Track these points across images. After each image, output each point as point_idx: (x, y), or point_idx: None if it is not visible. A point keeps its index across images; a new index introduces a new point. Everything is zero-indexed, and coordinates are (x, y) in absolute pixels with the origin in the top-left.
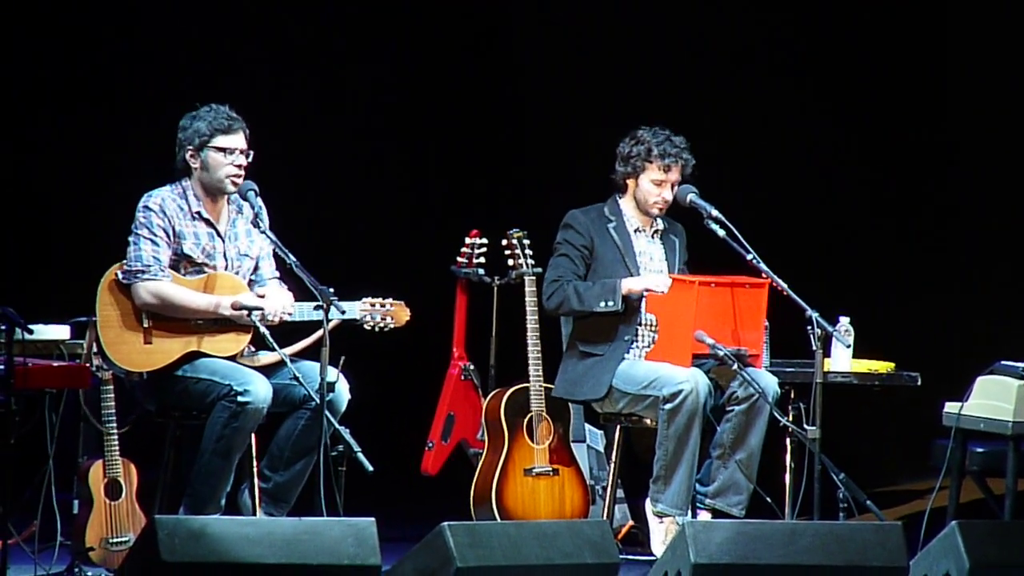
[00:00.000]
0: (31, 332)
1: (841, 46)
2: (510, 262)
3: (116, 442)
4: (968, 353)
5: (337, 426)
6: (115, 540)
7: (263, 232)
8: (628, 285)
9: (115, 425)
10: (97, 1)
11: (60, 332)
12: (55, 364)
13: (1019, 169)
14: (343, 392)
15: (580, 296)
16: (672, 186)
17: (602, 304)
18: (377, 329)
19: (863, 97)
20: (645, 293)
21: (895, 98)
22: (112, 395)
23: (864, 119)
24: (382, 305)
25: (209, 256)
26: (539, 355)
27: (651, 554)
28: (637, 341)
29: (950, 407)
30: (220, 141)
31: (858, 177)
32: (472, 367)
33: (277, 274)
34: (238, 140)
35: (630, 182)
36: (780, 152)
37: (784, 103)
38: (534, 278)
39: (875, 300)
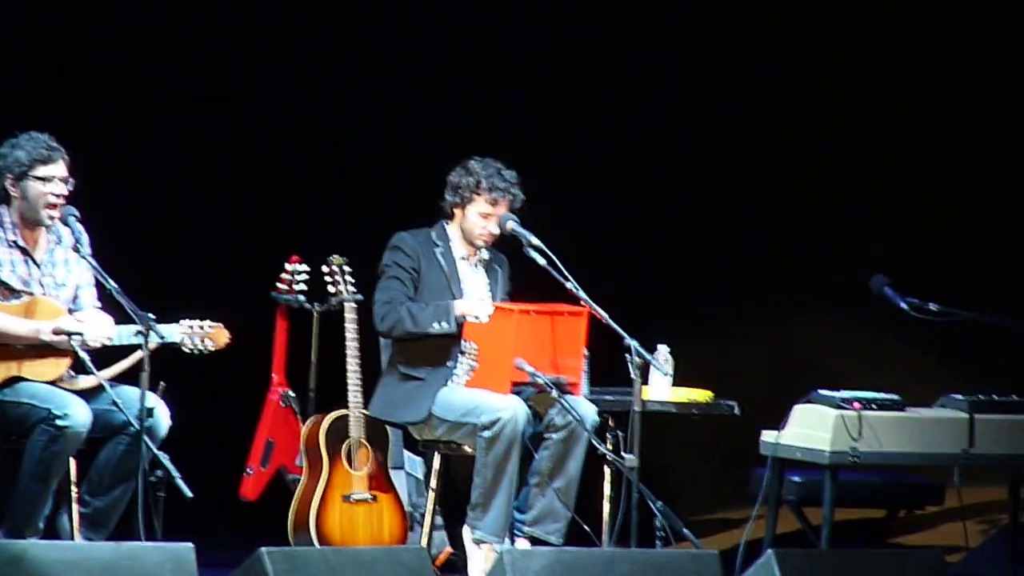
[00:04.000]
0: None
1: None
2: (331, 288)
3: None
4: (786, 381)
5: (156, 451)
6: None
7: (83, 257)
8: (458, 308)
9: None
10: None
11: None
12: None
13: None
14: (163, 417)
15: (414, 317)
16: (498, 219)
17: (436, 326)
18: (196, 352)
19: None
20: (465, 319)
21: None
22: None
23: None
24: (200, 327)
25: (26, 284)
26: (359, 381)
27: None
28: (457, 367)
29: (767, 436)
30: (40, 170)
31: (675, 205)
32: (291, 393)
33: (99, 304)
34: (58, 169)
35: (457, 211)
36: (600, 178)
37: (606, 128)
38: (354, 304)
39: (694, 328)
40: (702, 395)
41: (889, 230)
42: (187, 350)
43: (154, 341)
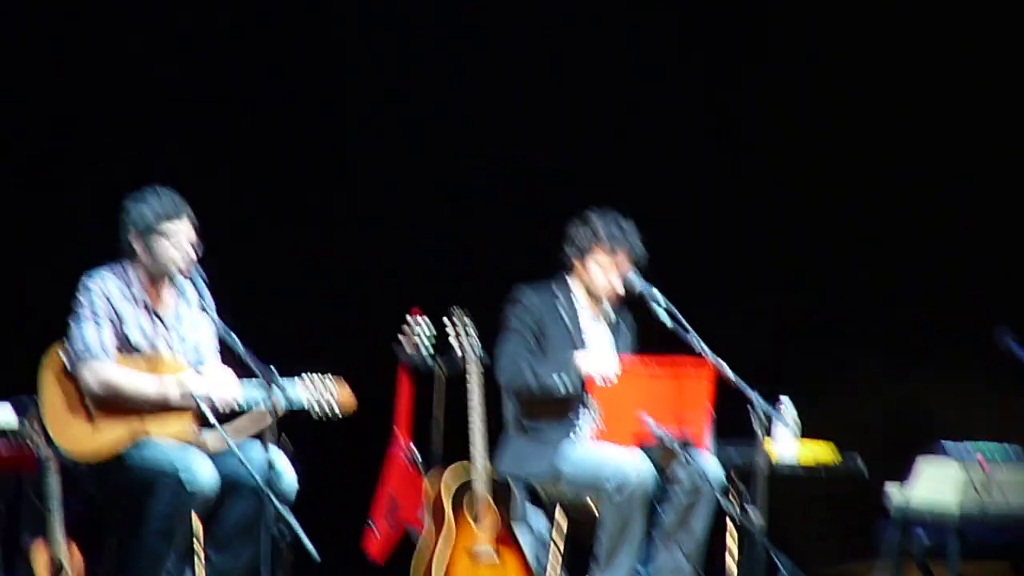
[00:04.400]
0: None
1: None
2: (453, 342)
3: (60, 523)
4: (906, 432)
5: (281, 509)
6: None
7: (207, 314)
8: (582, 363)
9: (59, 506)
10: (39, 71)
11: (3, 413)
12: None
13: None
14: (287, 474)
15: (537, 375)
16: (619, 272)
17: (559, 382)
18: (324, 411)
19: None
20: (586, 377)
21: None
22: (56, 477)
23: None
24: (321, 381)
25: (151, 342)
26: (482, 436)
27: None
28: (582, 422)
29: (892, 490)
30: (166, 227)
31: (791, 258)
32: (415, 448)
33: (219, 362)
34: (185, 226)
35: (578, 264)
36: (716, 235)
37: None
38: (477, 359)
39: (813, 378)
40: (827, 451)
41: (1014, 281)
42: (315, 414)
43: (277, 396)
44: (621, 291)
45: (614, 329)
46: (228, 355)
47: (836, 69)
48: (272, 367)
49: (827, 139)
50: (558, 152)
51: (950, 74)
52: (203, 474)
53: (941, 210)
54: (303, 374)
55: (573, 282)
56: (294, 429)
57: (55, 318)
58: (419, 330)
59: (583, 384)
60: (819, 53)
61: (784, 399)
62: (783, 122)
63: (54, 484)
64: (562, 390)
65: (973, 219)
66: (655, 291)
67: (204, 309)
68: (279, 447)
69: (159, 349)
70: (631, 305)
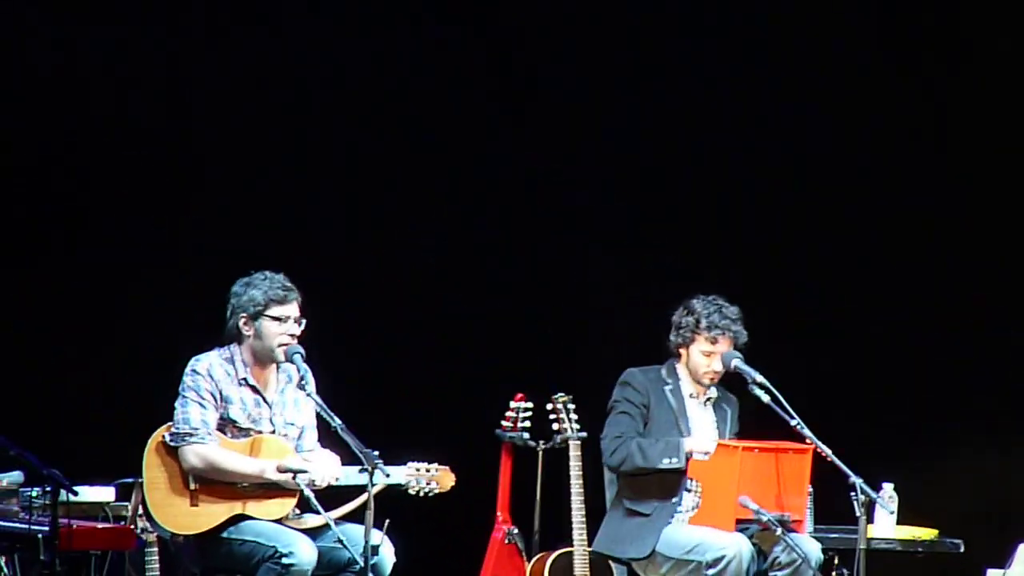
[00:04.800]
0: (76, 494)
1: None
2: (555, 426)
3: None
4: (1010, 518)
5: None
6: None
7: (308, 395)
8: (687, 444)
9: None
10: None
11: (105, 494)
12: (99, 526)
13: None
14: (387, 556)
15: (644, 452)
16: (721, 357)
17: (666, 461)
18: (422, 494)
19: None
20: (692, 456)
21: None
22: (156, 557)
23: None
24: (427, 470)
25: (255, 422)
26: (583, 519)
27: None
28: (682, 504)
29: (993, 575)
30: (275, 311)
31: (891, 344)
32: (516, 531)
33: (318, 445)
34: (292, 310)
35: (682, 350)
36: (816, 312)
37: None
38: (579, 442)
39: (915, 464)
40: (927, 533)
41: None
42: (412, 491)
43: (380, 481)
44: (720, 374)
45: (719, 413)
46: (333, 443)
47: None
48: (375, 452)
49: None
50: (664, 239)
51: None
52: (303, 552)
53: None
54: (409, 462)
55: (679, 366)
56: (397, 511)
57: (162, 406)
58: (523, 414)
59: (686, 463)
60: None
61: (886, 485)
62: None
63: (155, 564)
64: (667, 464)
65: None
66: (756, 374)
67: (303, 388)
68: (379, 528)
69: (263, 430)
70: (735, 389)
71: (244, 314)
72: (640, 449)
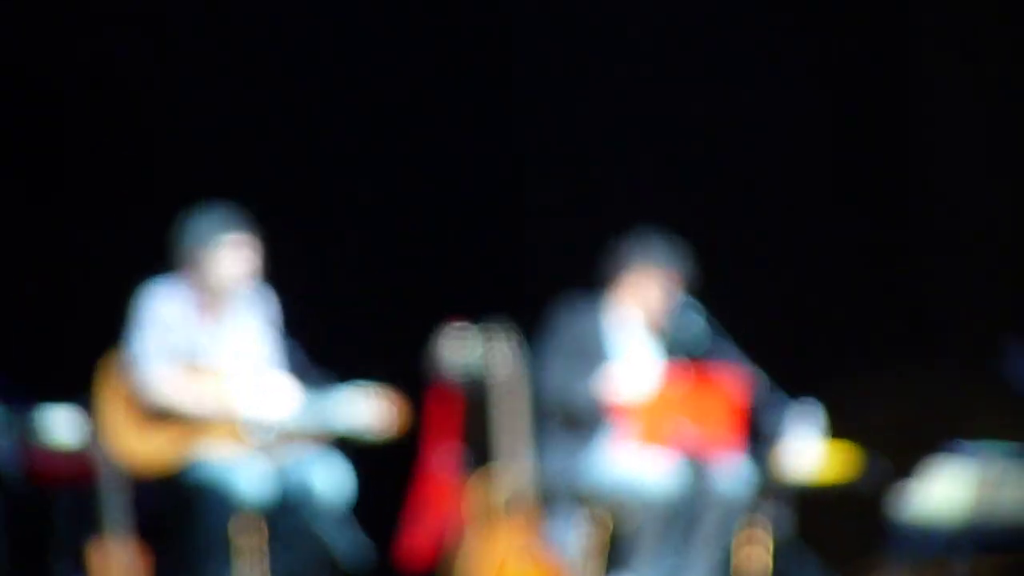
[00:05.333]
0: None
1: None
2: (493, 352)
3: (121, 528)
4: (922, 429)
5: (320, 522)
6: None
7: (269, 328)
8: (613, 378)
9: (120, 512)
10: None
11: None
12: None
13: None
14: (335, 487)
15: (571, 391)
16: (664, 287)
17: (592, 400)
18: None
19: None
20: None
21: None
22: (116, 487)
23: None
24: (378, 400)
25: (212, 352)
26: (522, 442)
27: None
28: (618, 431)
29: (907, 489)
30: (222, 241)
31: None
32: (452, 456)
33: (280, 371)
34: (242, 241)
35: (622, 279)
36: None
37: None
38: (518, 368)
39: (839, 378)
40: (850, 454)
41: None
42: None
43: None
44: (664, 306)
45: (660, 339)
46: (290, 366)
47: None
48: (332, 380)
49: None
50: (611, 166)
51: None
52: (248, 490)
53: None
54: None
55: (617, 296)
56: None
57: (115, 325)
58: (462, 337)
59: (610, 400)
60: None
61: (809, 403)
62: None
63: (115, 493)
64: (591, 407)
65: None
66: (694, 303)
67: (263, 320)
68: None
69: (214, 360)
70: (675, 317)
71: (191, 245)
72: (568, 387)
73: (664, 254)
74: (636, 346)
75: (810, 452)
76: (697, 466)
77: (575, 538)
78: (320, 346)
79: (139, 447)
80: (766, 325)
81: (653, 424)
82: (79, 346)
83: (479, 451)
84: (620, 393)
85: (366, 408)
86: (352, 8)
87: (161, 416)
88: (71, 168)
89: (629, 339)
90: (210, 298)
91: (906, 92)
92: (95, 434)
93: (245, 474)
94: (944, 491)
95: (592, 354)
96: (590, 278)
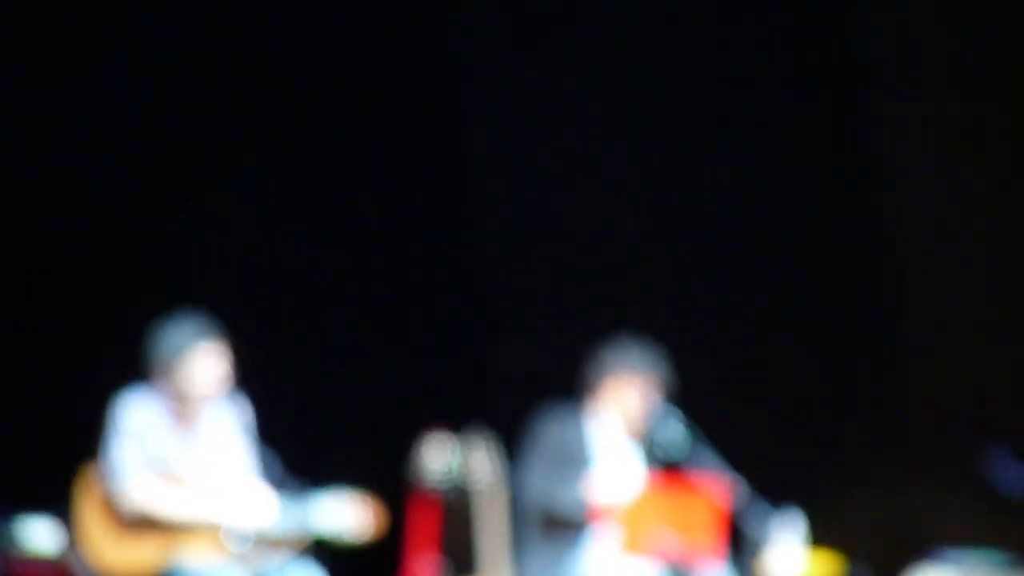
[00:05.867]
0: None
1: None
2: (472, 463)
3: None
4: (904, 539)
5: None
6: None
7: (243, 435)
8: (596, 486)
9: None
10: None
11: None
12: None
13: None
14: None
15: (554, 498)
16: (643, 395)
17: (574, 507)
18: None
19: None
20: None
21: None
22: None
23: None
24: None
25: (187, 461)
26: (502, 553)
27: None
28: (599, 539)
29: None
30: (201, 348)
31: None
32: (435, 568)
33: (255, 478)
34: (218, 347)
35: (603, 386)
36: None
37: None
38: (498, 479)
39: (820, 487)
40: (835, 563)
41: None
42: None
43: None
44: (644, 412)
45: (640, 446)
46: (266, 473)
47: None
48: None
49: None
50: (590, 270)
51: None
52: None
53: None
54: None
55: (597, 403)
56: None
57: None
58: (442, 447)
59: (592, 508)
60: None
61: (791, 511)
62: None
63: None
64: (574, 514)
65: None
66: (674, 410)
67: (239, 428)
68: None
69: (189, 468)
70: (655, 423)
71: (163, 355)
72: (550, 494)
73: (642, 361)
74: (617, 453)
75: (793, 560)
76: (680, 574)
77: None
78: (298, 456)
79: (117, 556)
80: (746, 433)
81: (635, 532)
82: (56, 456)
83: (460, 561)
84: (602, 500)
85: (343, 512)
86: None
87: (139, 524)
88: (44, 278)
89: (610, 446)
90: (184, 406)
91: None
92: (73, 543)
93: None
94: None
95: (575, 460)
96: (567, 388)
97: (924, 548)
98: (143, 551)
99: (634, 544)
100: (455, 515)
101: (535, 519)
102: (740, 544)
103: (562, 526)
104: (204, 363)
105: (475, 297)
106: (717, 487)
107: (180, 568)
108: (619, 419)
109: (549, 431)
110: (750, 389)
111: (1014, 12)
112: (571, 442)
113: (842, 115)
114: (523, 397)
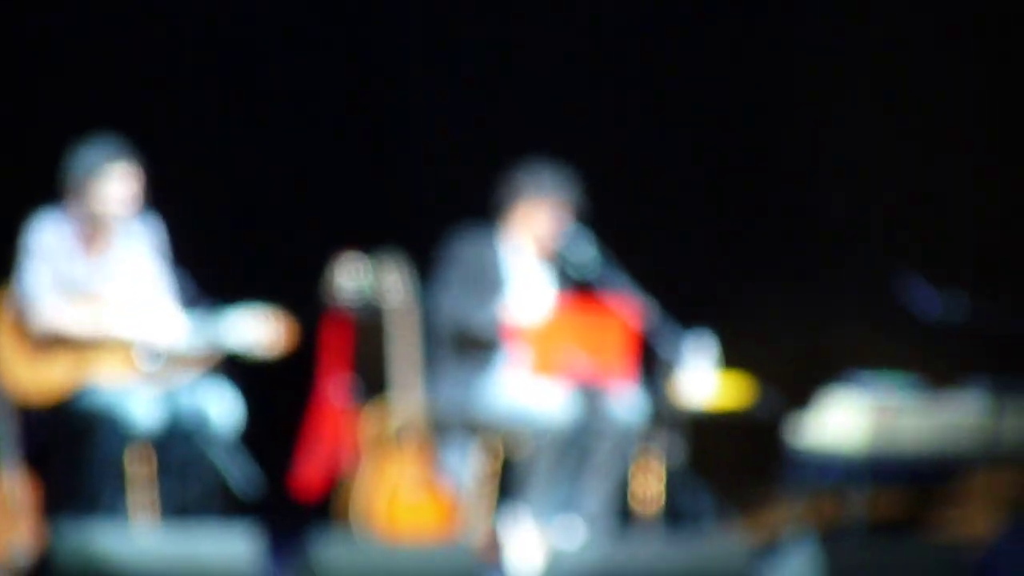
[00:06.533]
0: None
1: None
2: (384, 283)
3: (12, 458)
4: (814, 362)
5: (213, 450)
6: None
7: (155, 256)
8: (508, 308)
9: (10, 442)
10: None
11: None
12: None
13: None
14: (224, 414)
15: (466, 319)
16: (554, 216)
17: (486, 329)
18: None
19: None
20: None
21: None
22: (7, 416)
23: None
24: (263, 319)
25: (98, 282)
26: (414, 373)
27: None
28: (511, 360)
29: (801, 422)
30: (113, 168)
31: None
32: (344, 387)
33: (165, 299)
34: (131, 168)
35: (513, 208)
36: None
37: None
38: (409, 299)
39: (730, 307)
40: (743, 385)
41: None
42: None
43: (221, 345)
44: (555, 235)
45: (551, 268)
46: (178, 293)
47: None
48: (216, 307)
49: None
50: (503, 92)
51: None
52: (139, 417)
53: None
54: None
55: (509, 226)
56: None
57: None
58: (354, 267)
59: (505, 328)
60: None
61: (703, 333)
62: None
63: (4, 422)
64: (488, 334)
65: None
66: (585, 232)
67: (146, 248)
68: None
69: (101, 289)
70: (566, 245)
71: (74, 175)
72: (463, 315)
73: (553, 183)
74: (529, 275)
75: (704, 381)
76: (590, 395)
77: (468, 467)
78: (210, 275)
79: (29, 377)
80: (657, 256)
81: (546, 353)
82: None
83: (372, 380)
84: (514, 321)
85: (254, 326)
86: None
87: (50, 344)
88: None
89: (522, 268)
90: (95, 228)
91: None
92: None
93: (136, 401)
94: (841, 422)
95: (488, 281)
96: (480, 209)
97: (836, 371)
98: (55, 371)
99: (545, 365)
100: (367, 334)
101: (447, 339)
102: (651, 366)
103: (474, 346)
104: (116, 184)
105: (390, 118)
106: (628, 308)
107: (92, 387)
108: (530, 241)
109: (462, 252)
110: (662, 212)
111: None
112: (485, 263)
113: None
114: (436, 219)
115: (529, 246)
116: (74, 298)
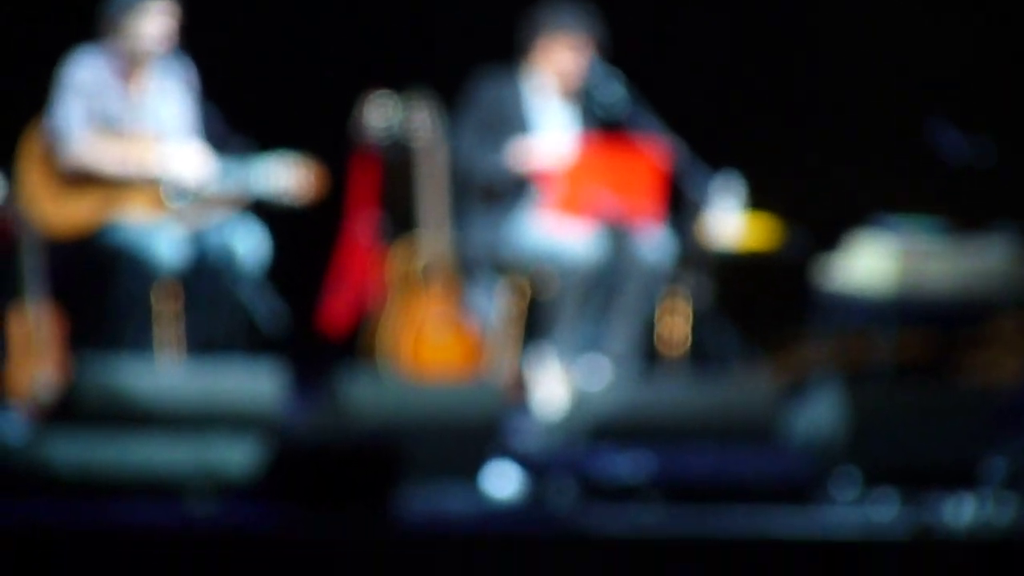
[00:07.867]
0: None
1: None
2: (413, 121)
3: (37, 292)
4: (841, 204)
5: (241, 286)
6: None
7: (187, 94)
8: (529, 151)
9: (36, 276)
10: None
11: None
12: None
13: None
14: (252, 252)
15: (484, 162)
16: (580, 54)
17: (503, 173)
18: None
19: None
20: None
21: None
22: (34, 250)
23: None
24: (294, 166)
25: (132, 118)
26: (443, 212)
27: None
28: (537, 201)
29: (829, 264)
30: (149, 5)
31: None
32: (373, 225)
33: (197, 137)
34: (165, 5)
35: (538, 47)
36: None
37: None
38: (438, 137)
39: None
40: (768, 231)
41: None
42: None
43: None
44: (578, 72)
45: (576, 107)
46: (208, 133)
47: None
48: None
49: None
50: None
51: None
52: (164, 254)
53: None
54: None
55: (533, 65)
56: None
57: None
58: (383, 105)
59: (519, 172)
60: None
61: (731, 175)
62: None
63: (32, 256)
64: (494, 179)
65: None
66: (612, 71)
67: (180, 87)
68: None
69: (134, 126)
70: (593, 84)
71: (112, 10)
72: (480, 159)
73: (576, 19)
74: (553, 114)
75: (731, 223)
76: (618, 234)
77: (495, 306)
78: (241, 114)
79: (56, 211)
80: (685, 96)
81: (572, 192)
82: (6, 113)
83: (400, 219)
84: (537, 162)
85: (284, 173)
86: None
87: (78, 180)
88: None
89: (546, 107)
90: (132, 65)
91: None
92: (14, 197)
93: (162, 238)
94: (868, 264)
95: (505, 123)
96: (509, 47)
97: (864, 214)
98: (82, 206)
99: (572, 204)
100: (396, 172)
101: (464, 182)
102: (679, 207)
103: (490, 190)
104: (153, 20)
105: None
106: (657, 149)
107: (118, 223)
108: (554, 80)
109: (482, 94)
110: (690, 50)
111: None
112: (504, 104)
113: None
114: (467, 57)
115: (553, 85)
116: (107, 134)
